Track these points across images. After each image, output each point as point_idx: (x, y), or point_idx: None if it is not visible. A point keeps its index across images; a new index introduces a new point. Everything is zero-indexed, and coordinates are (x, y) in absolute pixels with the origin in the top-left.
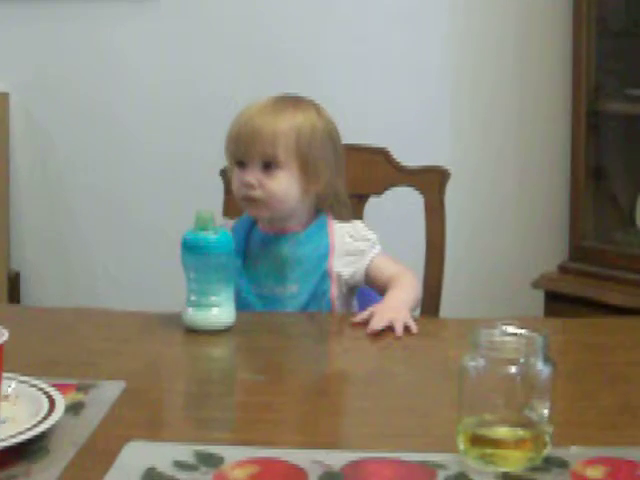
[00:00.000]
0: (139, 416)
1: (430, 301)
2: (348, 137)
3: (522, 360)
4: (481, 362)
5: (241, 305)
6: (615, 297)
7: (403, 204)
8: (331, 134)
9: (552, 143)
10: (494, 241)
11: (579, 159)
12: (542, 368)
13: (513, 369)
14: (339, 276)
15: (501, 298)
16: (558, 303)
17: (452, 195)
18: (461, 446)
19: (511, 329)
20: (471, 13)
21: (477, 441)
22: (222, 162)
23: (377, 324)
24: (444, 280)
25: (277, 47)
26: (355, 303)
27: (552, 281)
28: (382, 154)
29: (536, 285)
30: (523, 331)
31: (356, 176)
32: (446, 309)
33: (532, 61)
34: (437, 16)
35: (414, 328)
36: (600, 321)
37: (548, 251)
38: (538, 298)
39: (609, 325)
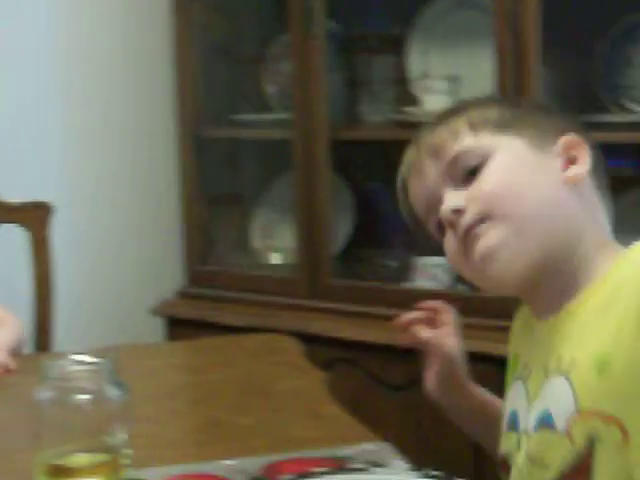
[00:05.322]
0: None
1: (42, 337)
2: None
3: (93, 388)
4: (53, 394)
5: None
6: (230, 317)
7: (7, 242)
8: None
9: (165, 170)
10: (113, 272)
11: (190, 184)
12: (114, 393)
13: (84, 397)
14: None
15: (125, 328)
16: (180, 328)
17: (65, 228)
18: (41, 479)
19: (80, 358)
20: (71, 49)
21: (55, 472)
22: None
23: None
24: (62, 315)
25: None
26: None
27: (172, 307)
28: None
29: (156, 312)
30: (92, 359)
31: None
32: (66, 343)
33: (141, 86)
34: (32, 48)
35: (12, 365)
36: (202, 342)
37: (166, 277)
38: (161, 324)
39: (209, 344)
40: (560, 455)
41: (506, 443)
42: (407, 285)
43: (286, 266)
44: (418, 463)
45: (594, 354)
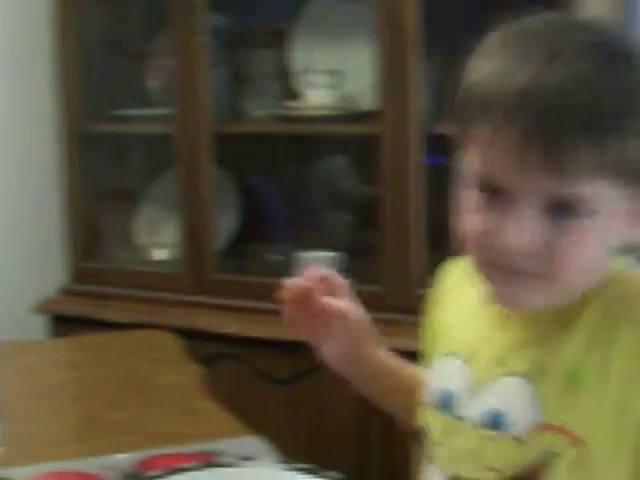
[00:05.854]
0: None
1: None
2: None
3: None
4: None
5: None
6: (116, 314)
7: None
8: None
9: (47, 166)
10: None
11: (73, 180)
12: None
13: None
14: None
15: (6, 326)
16: (65, 326)
17: None
18: None
19: None
20: None
21: None
22: None
23: None
24: None
25: None
26: None
27: (56, 304)
28: None
29: (38, 310)
30: None
31: None
32: None
33: (20, 81)
34: None
35: None
36: (84, 339)
37: (49, 275)
38: (46, 323)
39: (90, 341)
40: (509, 460)
41: (430, 420)
42: None
43: (171, 262)
44: (300, 457)
45: (567, 366)
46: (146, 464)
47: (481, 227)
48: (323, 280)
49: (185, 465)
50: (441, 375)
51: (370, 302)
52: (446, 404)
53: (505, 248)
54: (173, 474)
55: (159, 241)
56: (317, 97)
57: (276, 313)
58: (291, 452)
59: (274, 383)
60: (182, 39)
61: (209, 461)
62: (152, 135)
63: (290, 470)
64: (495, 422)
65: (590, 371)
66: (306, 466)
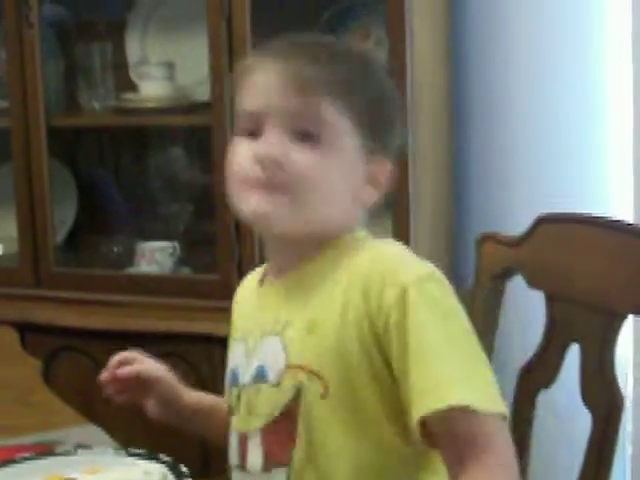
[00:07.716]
0: None
1: None
2: None
3: None
4: None
5: None
6: None
7: None
8: None
9: None
10: None
11: None
12: None
13: None
14: None
15: None
16: None
17: None
18: None
19: None
20: None
21: None
22: None
23: None
24: None
25: None
26: None
27: None
28: None
29: None
30: None
31: None
32: None
33: None
34: None
35: None
36: None
37: None
38: None
39: None
40: (271, 403)
41: (229, 397)
42: (131, 270)
43: (10, 256)
44: (144, 447)
45: (307, 317)
46: None
47: (242, 158)
48: (124, 360)
49: (21, 455)
50: (230, 358)
51: (209, 291)
52: (234, 380)
53: (254, 159)
54: (9, 464)
55: None
56: (152, 89)
57: (116, 305)
58: (136, 443)
59: None
60: (14, 31)
61: (46, 450)
62: None
63: (123, 455)
64: (259, 376)
65: (326, 320)
66: (139, 451)
